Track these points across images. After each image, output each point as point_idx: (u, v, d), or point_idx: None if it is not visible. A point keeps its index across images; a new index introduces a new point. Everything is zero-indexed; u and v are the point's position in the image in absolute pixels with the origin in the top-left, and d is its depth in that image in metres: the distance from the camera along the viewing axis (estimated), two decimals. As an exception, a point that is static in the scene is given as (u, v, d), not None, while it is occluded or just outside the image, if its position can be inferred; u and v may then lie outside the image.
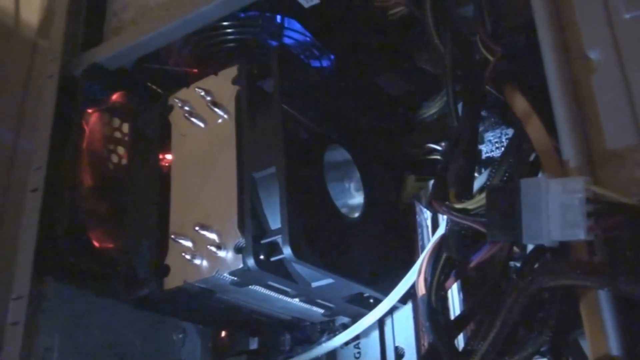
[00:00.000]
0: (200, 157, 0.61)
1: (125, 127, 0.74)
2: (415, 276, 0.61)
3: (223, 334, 0.77)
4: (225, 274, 0.55)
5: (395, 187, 0.71)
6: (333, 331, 0.69)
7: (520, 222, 0.41)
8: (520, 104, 0.53)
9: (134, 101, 0.70)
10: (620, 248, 0.39)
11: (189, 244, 0.57)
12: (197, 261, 0.57)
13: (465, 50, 0.61)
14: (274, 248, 0.55)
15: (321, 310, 0.66)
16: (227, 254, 0.55)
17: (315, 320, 0.68)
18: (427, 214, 0.70)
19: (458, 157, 0.49)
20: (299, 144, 0.58)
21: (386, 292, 0.63)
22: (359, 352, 0.68)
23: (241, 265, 0.54)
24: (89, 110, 0.70)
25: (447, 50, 0.60)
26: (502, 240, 0.43)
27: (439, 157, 0.72)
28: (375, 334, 0.68)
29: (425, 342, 0.65)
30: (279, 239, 0.54)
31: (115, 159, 0.73)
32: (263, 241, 0.55)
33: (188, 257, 0.56)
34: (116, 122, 0.74)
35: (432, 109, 0.72)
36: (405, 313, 0.67)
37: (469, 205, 0.44)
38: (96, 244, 0.65)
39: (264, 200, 0.56)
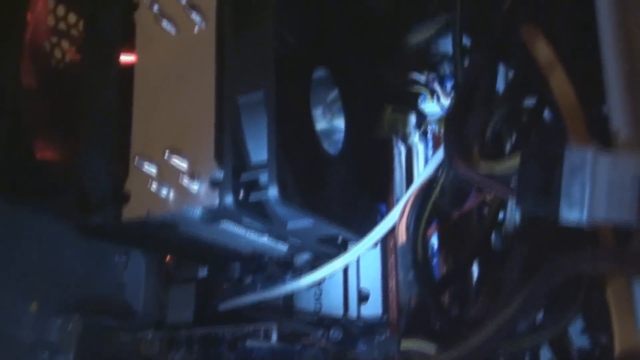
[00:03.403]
0: (171, 68, 0.53)
1: (71, 17, 0.64)
2: (392, 220, 0.58)
3: (168, 257, 0.71)
4: (196, 210, 0.49)
5: (374, 120, 0.65)
6: (293, 268, 0.64)
7: (559, 196, 0.36)
8: (542, 51, 0.48)
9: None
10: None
11: (154, 169, 0.50)
12: (164, 191, 0.50)
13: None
14: (255, 185, 0.49)
15: (286, 248, 0.61)
16: (200, 187, 0.49)
17: (276, 255, 0.63)
18: (403, 150, 0.66)
19: (479, 109, 0.43)
20: (288, 64, 0.51)
21: (360, 233, 0.58)
22: (320, 290, 0.64)
23: (217, 202, 0.48)
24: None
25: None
26: (534, 213, 0.38)
27: (422, 91, 0.67)
28: (339, 273, 0.63)
29: (393, 286, 0.61)
30: (262, 176, 0.48)
31: (58, 54, 0.63)
32: (244, 176, 0.48)
33: (154, 187, 0.49)
34: (60, 10, 0.64)
35: (422, 35, 0.66)
36: (372, 254, 0.63)
37: (497, 167, 0.39)
38: (40, 155, 0.57)
39: (246, 127, 0.49)
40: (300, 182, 0.49)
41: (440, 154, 0.57)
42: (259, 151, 0.49)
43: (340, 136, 0.60)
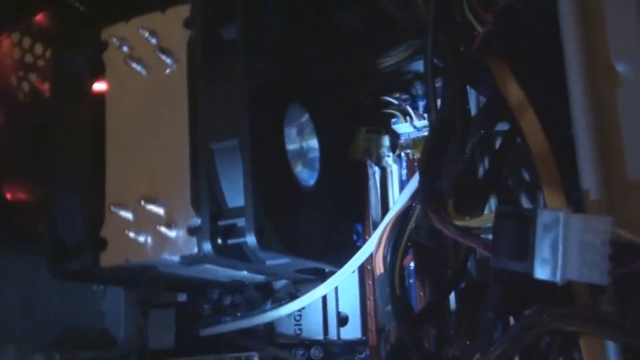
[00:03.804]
0: (143, 111, 0.52)
1: (38, 49, 0.63)
2: (370, 249, 0.58)
3: (147, 283, 0.71)
4: (174, 257, 0.49)
5: (348, 143, 0.65)
6: (271, 291, 0.65)
7: (533, 255, 0.37)
8: (513, 92, 0.48)
9: (57, 24, 0.58)
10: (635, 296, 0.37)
11: (130, 216, 0.50)
12: (141, 238, 0.50)
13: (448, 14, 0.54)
14: (232, 230, 0.49)
15: (264, 277, 0.61)
16: (177, 234, 0.49)
17: (255, 282, 0.64)
18: (377, 171, 0.66)
19: (454, 158, 0.44)
20: (262, 104, 0.51)
21: (337, 262, 0.59)
22: (299, 315, 0.64)
23: (195, 250, 0.48)
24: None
25: (431, 9, 0.54)
26: (508, 269, 0.39)
27: (394, 112, 0.67)
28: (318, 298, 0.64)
29: (371, 308, 0.62)
30: (239, 222, 0.48)
31: (26, 87, 0.62)
32: (221, 223, 0.49)
33: (131, 234, 0.49)
34: (26, 42, 0.63)
35: (392, 59, 0.66)
36: (350, 278, 0.63)
37: (472, 223, 0.40)
38: (11, 197, 0.56)
39: (222, 174, 0.49)
40: (278, 225, 0.49)
41: (414, 181, 0.58)
42: (235, 196, 0.49)
43: (313, 155, 0.60)
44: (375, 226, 0.64)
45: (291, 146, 0.58)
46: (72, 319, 0.65)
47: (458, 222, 0.40)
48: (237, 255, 0.50)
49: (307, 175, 0.60)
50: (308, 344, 0.64)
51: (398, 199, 0.58)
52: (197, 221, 0.49)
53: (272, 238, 0.48)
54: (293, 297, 0.62)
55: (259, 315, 0.61)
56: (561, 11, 0.41)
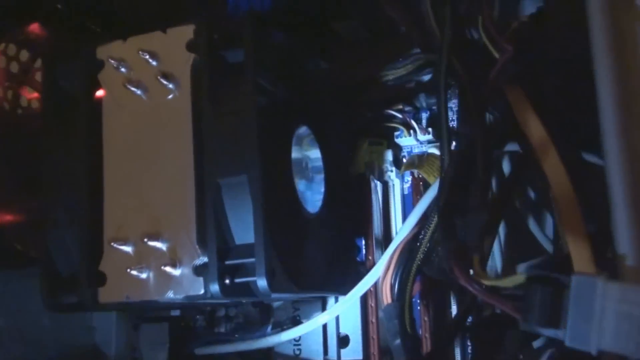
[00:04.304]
0: (143, 140, 0.49)
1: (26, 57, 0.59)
2: (375, 275, 0.57)
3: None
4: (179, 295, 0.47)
5: (350, 157, 0.63)
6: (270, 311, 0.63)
7: (567, 323, 0.36)
8: (535, 129, 0.46)
9: (52, 37, 0.55)
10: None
11: (131, 251, 0.48)
12: (143, 275, 0.47)
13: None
14: (241, 268, 0.47)
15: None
16: (182, 273, 0.47)
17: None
18: (379, 186, 0.65)
19: (478, 207, 0.42)
20: (270, 132, 0.48)
21: (342, 287, 0.57)
22: (299, 335, 0.63)
23: (202, 291, 0.46)
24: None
25: (446, 32, 0.52)
26: (539, 333, 0.38)
27: (397, 125, 0.65)
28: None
29: (374, 335, 0.61)
30: (249, 263, 0.46)
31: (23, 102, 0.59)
32: (228, 262, 0.46)
33: (134, 272, 0.47)
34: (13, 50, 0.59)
35: (398, 72, 0.63)
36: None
37: (501, 284, 0.38)
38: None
39: (229, 210, 0.47)
40: (287, 262, 0.47)
41: (421, 206, 0.56)
42: (243, 233, 0.47)
43: (314, 165, 0.58)
44: (377, 242, 0.62)
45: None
46: (63, 336, 0.63)
47: (486, 282, 0.38)
48: (245, 292, 0.47)
49: (309, 196, 0.57)
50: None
51: (404, 225, 0.57)
52: (203, 259, 0.46)
53: (283, 277, 0.46)
54: (294, 320, 0.61)
55: (259, 340, 0.60)
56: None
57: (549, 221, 0.61)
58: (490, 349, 0.47)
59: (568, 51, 0.48)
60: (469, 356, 0.52)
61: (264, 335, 0.59)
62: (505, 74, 0.50)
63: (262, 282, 0.44)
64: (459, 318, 0.52)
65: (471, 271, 0.40)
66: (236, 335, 0.62)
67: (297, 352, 0.63)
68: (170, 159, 0.48)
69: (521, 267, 0.46)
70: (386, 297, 0.54)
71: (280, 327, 0.60)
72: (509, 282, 0.38)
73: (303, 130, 0.56)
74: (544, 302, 0.36)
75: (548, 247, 0.59)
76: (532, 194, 0.62)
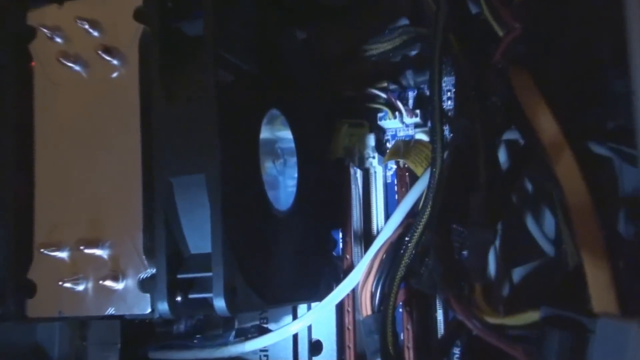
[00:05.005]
0: (82, 125, 0.41)
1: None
2: (353, 282, 0.50)
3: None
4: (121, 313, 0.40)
5: (326, 141, 0.56)
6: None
7: (589, 375, 0.29)
8: (547, 126, 0.39)
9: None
10: None
11: (65, 258, 0.40)
12: (80, 288, 0.40)
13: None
14: (196, 282, 0.39)
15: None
16: (125, 287, 0.39)
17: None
18: (359, 173, 0.57)
19: (482, 222, 0.35)
20: (235, 119, 0.41)
21: (315, 294, 0.50)
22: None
23: (149, 310, 0.39)
24: None
25: (441, 3, 0.44)
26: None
27: (380, 106, 0.58)
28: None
29: (350, 344, 0.54)
30: (205, 276, 0.38)
31: None
32: (181, 276, 0.39)
33: (68, 285, 0.39)
34: None
35: (383, 47, 0.55)
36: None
37: (509, 322, 0.31)
38: None
39: (183, 213, 0.39)
40: (251, 275, 0.40)
41: (407, 201, 0.49)
42: (199, 241, 0.39)
43: (286, 146, 0.51)
44: (356, 238, 0.56)
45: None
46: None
47: (491, 320, 0.31)
48: (200, 308, 0.40)
49: (281, 182, 0.50)
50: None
51: (387, 224, 0.50)
52: (150, 271, 0.39)
53: (246, 293, 0.39)
54: (260, 328, 0.54)
55: (220, 349, 0.53)
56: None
57: (548, 219, 0.54)
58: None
59: (588, 32, 0.41)
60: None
61: (226, 343, 0.52)
62: (510, 55, 0.42)
63: (219, 302, 0.37)
64: (450, 334, 0.45)
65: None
66: (195, 341, 0.55)
67: (264, 359, 0.56)
68: (113, 150, 0.40)
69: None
70: (365, 308, 0.48)
71: (245, 335, 0.53)
72: (518, 319, 0.31)
73: (274, 116, 0.49)
74: (563, 350, 0.29)
75: (548, 249, 0.52)
76: (529, 187, 0.56)
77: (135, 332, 0.59)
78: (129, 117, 0.40)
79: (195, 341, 0.55)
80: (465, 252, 0.34)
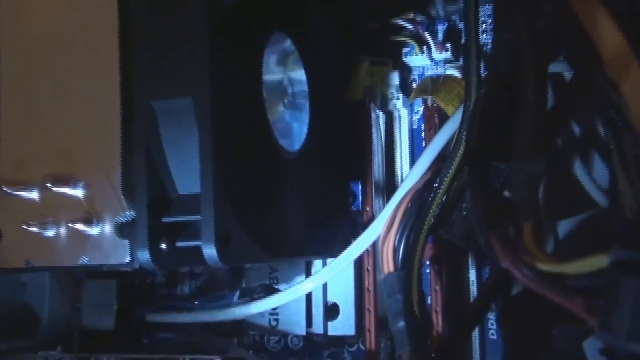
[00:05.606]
0: (51, 43, 0.35)
1: None
2: (374, 234, 0.43)
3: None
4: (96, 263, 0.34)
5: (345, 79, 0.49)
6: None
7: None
8: (610, 33, 0.32)
9: None
10: None
11: (33, 198, 0.34)
12: (49, 233, 0.34)
13: None
14: (184, 228, 0.33)
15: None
16: (101, 233, 0.33)
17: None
18: (381, 117, 0.51)
19: (530, 150, 0.28)
20: (232, 38, 0.34)
21: (329, 248, 0.44)
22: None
23: (128, 259, 0.33)
24: None
25: None
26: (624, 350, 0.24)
27: (406, 39, 0.51)
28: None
29: (370, 307, 0.48)
30: (195, 220, 0.32)
31: None
32: (166, 219, 0.33)
33: (34, 228, 0.33)
34: None
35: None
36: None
37: (570, 268, 0.24)
38: None
39: (169, 145, 0.33)
40: (249, 220, 0.34)
41: (437, 143, 0.43)
42: (187, 179, 0.33)
43: (300, 89, 0.45)
44: (378, 189, 0.49)
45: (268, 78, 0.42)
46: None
47: (545, 266, 0.24)
48: (190, 259, 0.34)
49: (296, 128, 0.44)
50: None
51: (413, 169, 0.43)
52: (130, 215, 0.33)
53: (242, 241, 0.33)
54: (268, 288, 0.48)
55: (223, 310, 0.47)
56: None
57: (597, 167, 0.47)
58: (527, 340, 0.34)
59: None
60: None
61: (229, 305, 0.46)
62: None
63: (209, 250, 0.31)
64: (485, 296, 0.38)
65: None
66: (196, 302, 0.49)
67: (274, 324, 0.50)
68: (87, 70, 0.34)
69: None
70: (387, 264, 0.41)
71: (251, 294, 0.47)
72: (582, 266, 0.24)
73: (287, 44, 0.42)
74: (637, 302, 0.22)
75: (599, 198, 0.46)
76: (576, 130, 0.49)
77: (134, 293, 0.54)
78: (105, 31, 0.34)
79: (196, 302, 0.50)
80: (507, 193, 0.28)
